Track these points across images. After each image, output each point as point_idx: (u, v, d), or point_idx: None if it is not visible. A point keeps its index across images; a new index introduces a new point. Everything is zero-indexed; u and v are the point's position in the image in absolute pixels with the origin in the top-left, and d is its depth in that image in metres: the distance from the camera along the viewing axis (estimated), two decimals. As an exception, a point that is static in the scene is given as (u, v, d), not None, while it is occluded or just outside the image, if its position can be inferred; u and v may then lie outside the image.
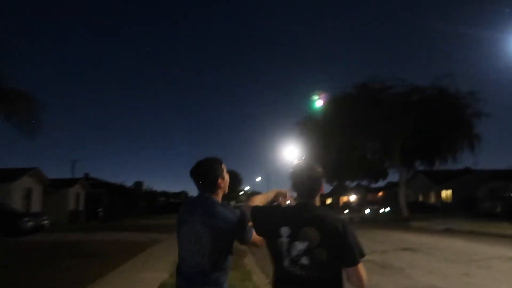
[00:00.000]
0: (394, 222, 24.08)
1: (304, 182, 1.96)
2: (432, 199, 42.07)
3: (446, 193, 40.73)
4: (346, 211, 43.19)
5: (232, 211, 2.18)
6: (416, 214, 27.34)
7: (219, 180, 2.24)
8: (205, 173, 2.24)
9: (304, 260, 1.80)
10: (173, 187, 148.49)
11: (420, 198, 43.52)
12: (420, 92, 26.44)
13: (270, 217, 2.00)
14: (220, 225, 2.09)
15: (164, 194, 69.82)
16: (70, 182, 31.24)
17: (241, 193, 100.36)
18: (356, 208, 47.78)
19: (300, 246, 1.81)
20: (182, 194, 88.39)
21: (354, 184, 51.82)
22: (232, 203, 66.28)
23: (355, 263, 1.80)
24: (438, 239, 14.19)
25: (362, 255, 1.83)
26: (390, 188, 47.78)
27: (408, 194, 39.68)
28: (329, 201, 66.05)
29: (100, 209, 32.03)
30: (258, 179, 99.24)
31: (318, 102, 20.30)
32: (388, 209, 36.29)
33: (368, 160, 30.83)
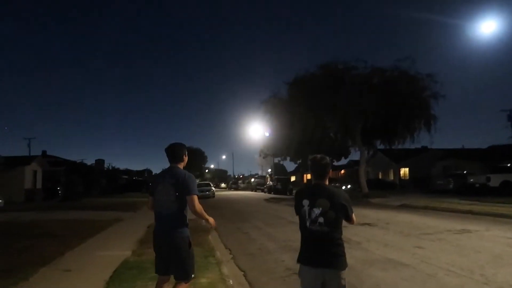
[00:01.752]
0: (355, 198, 24.90)
1: (319, 167, 2.99)
2: (391, 176, 43.77)
3: (404, 171, 42.47)
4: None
5: (188, 174, 3.52)
6: (375, 191, 28.37)
7: (184, 157, 3.65)
8: (175, 150, 3.62)
9: (320, 220, 2.78)
10: (136, 165, 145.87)
11: (380, 176, 45.17)
12: (381, 73, 26.99)
13: (297, 196, 3.04)
14: (179, 181, 3.41)
15: (127, 172, 68.37)
16: (26, 160, 29.94)
17: (206, 171, 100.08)
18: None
19: (316, 211, 2.80)
20: (146, 172, 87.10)
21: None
22: (198, 180, 65.92)
23: (349, 219, 2.94)
24: (394, 214, 14.85)
25: (352, 211, 2.92)
26: (352, 166, 49.23)
27: (368, 172, 41.05)
28: (293, 178, 67.27)
29: (59, 188, 30.97)
30: (223, 157, 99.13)
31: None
32: (349, 186, 37.47)
33: (331, 139, 31.46)
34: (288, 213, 16.99)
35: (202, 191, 34.89)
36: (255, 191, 52.34)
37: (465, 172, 28.46)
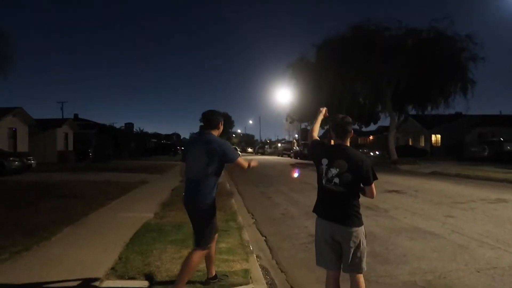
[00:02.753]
0: (383, 165, 24.37)
1: (340, 127, 2.92)
2: (422, 143, 42.50)
3: (435, 138, 41.09)
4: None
5: (222, 141, 3.47)
6: (405, 157, 27.62)
7: (219, 125, 3.57)
8: (212, 116, 3.55)
9: (336, 180, 2.78)
10: (165, 129, 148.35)
11: (410, 142, 43.93)
12: (416, 34, 25.55)
13: (317, 151, 3.03)
14: (213, 148, 3.33)
15: (156, 135, 69.63)
16: (58, 123, 30.74)
17: (233, 135, 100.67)
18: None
19: (333, 171, 2.79)
20: (174, 135, 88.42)
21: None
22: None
23: (369, 183, 2.83)
24: (424, 181, 14.35)
25: (375, 178, 2.85)
26: (381, 132, 48.04)
27: (398, 138, 39.95)
28: (320, 144, 66.34)
29: (90, 150, 31.84)
30: (250, 122, 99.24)
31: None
32: (377, 152, 36.67)
33: (360, 104, 30.53)
34: (314, 178, 16.69)
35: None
36: (282, 156, 52.29)
37: (501, 139, 27.16)
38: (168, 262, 4.32)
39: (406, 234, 6.08)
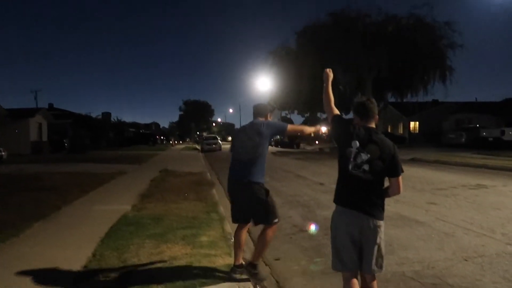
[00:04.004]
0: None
1: (367, 107, 2.68)
2: (401, 130, 43.07)
3: (414, 125, 41.68)
4: (317, 142, 43.67)
5: (273, 122, 3.86)
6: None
7: (268, 114, 3.89)
8: (261, 107, 3.92)
9: (365, 167, 2.52)
10: (144, 119, 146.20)
11: (389, 129, 44.46)
12: (396, 21, 25.67)
13: (344, 130, 2.69)
14: (265, 130, 3.61)
15: (134, 125, 68.42)
16: (31, 112, 29.61)
17: (213, 124, 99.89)
18: (327, 139, 48.14)
19: (364, 156, 2.53)
20: (153, 125, 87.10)
21: (325, 115, 52.02)
22: (205, 134, 65.97)
23: (398, 175, 2.62)
24: (405, 168, 13.97)
25: (402, 171, 2.64)
26: (360, 120, 48.37)
27: (378, 125, 40.26)
28: (300, 132, 66.59)
29: (65, 140, 30.89)
30: (230, 110, 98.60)
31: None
32: (357, 140, 36.89)
33: (340, 91, 30.59)
34: (295, 167, 16.67)
35: (208, 144, 34.74)
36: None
37: (477, 125, 27.71)
38: (146, 259, 4.07)
39: (390, 222, 5.97)
